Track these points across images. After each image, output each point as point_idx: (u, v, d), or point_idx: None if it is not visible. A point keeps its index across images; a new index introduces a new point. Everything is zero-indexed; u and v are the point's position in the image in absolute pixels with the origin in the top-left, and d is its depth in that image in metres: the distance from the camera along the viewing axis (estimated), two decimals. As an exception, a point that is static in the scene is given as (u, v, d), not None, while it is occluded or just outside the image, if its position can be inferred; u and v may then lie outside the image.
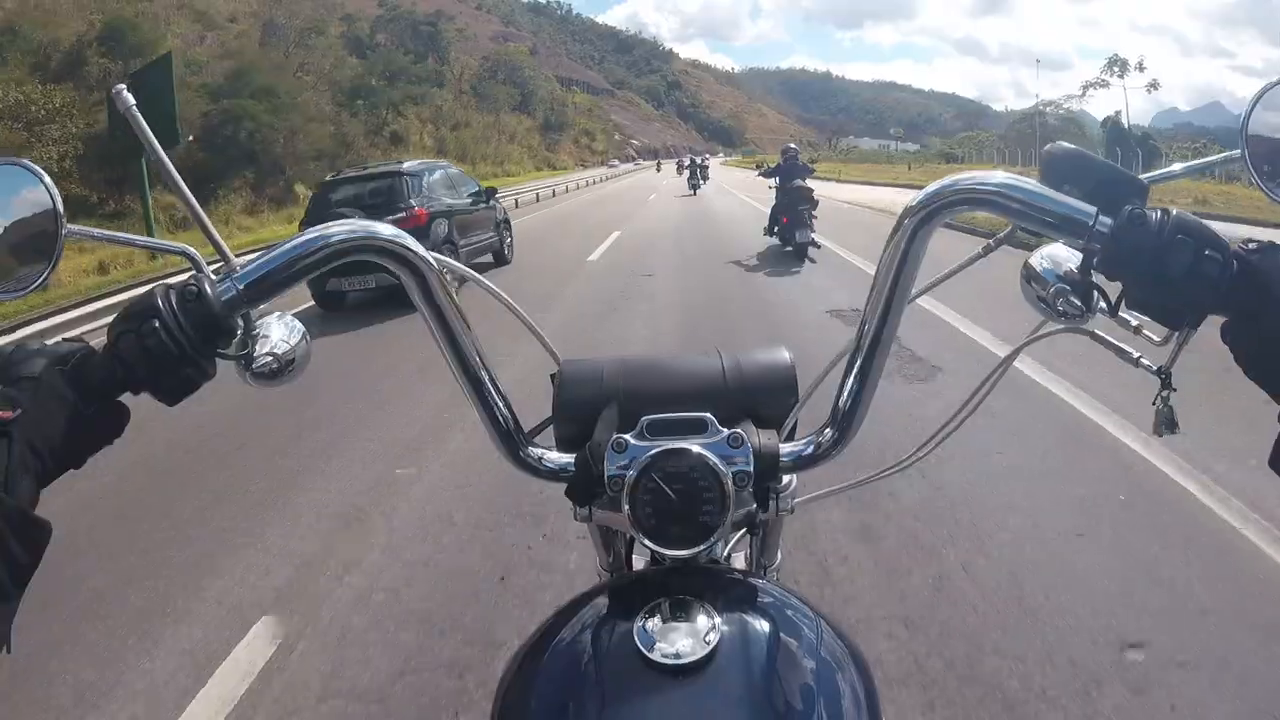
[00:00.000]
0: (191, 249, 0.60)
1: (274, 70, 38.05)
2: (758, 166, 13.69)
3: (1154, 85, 56.56)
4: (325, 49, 49.89)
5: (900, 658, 2.08)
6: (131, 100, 0.56)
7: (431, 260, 0.64)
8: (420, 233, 7.52)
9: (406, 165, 8.96)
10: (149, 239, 0.64)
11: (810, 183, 10.10)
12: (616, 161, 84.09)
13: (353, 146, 39.45)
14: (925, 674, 2.02)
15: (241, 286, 0.58)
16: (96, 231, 0.60)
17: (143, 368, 0.53)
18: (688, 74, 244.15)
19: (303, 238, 0.60)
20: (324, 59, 48.53)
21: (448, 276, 0.66)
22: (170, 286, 0.55)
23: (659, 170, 60.35)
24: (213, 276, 0.57)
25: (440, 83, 68.90)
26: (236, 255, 0.60)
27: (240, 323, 0.59)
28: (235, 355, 0.59)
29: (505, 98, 75.80)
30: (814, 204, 9.61)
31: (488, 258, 10.55)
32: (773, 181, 10.66)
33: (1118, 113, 53.70)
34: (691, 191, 27.68)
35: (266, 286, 0.59)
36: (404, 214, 7.97)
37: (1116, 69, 56.44)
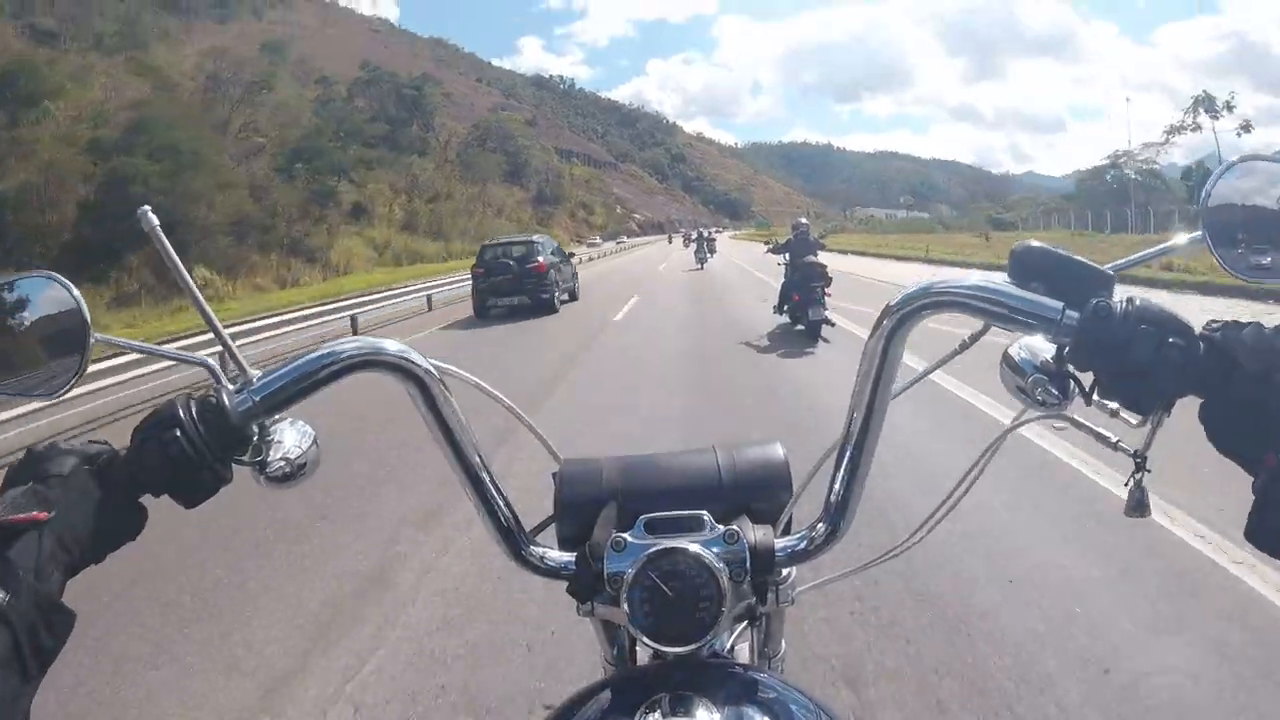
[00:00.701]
0: (211, 362, 0.65)
1: (187, 123, 30.62)
2: (766, 242, 12.79)
3: (1246, 127, 47.94)
4: (278, 107, 43.22)
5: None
6: (155, 221, 0.61)
7: (434, 370, 0.67)
8: (543, 277, 14.04)
9: (535, 237, 15.86)
10: (171, 350, 0.70)
11: (832, 258, 10.87)
12: (598, 239, 69.69)
13: (282, 218, 31.91)
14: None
15: (258, 399, 0.61)
16: (122, 340, 0.65)
17: (164, 473, 0.55)
18: (692, 147, 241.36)
19: (316, 354, 0.63)
20: (274, 118, 41.83)
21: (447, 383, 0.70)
22: (191, 397, 0.58)
23: (670, 243, 58.46)
24: (231, 388, 0.61)
25: (423, 150, 62.52)
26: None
27: (256, 430, 0.62)
28: (251, 462, 0.62)
29: (494, 167, 69.74)
30: (827, 280, 9.19)
31: (565, 296, 15.67)
32: (782, 258, 10.31)
33: (1200, 163, 46.29)
34: (699, 265, 26.85)
35: (281, 399, 0.61)
36: (535, 263, 14.10)
37: (1204, 108, 48.24)
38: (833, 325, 9.06)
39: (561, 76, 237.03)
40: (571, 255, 18.57)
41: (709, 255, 28.49)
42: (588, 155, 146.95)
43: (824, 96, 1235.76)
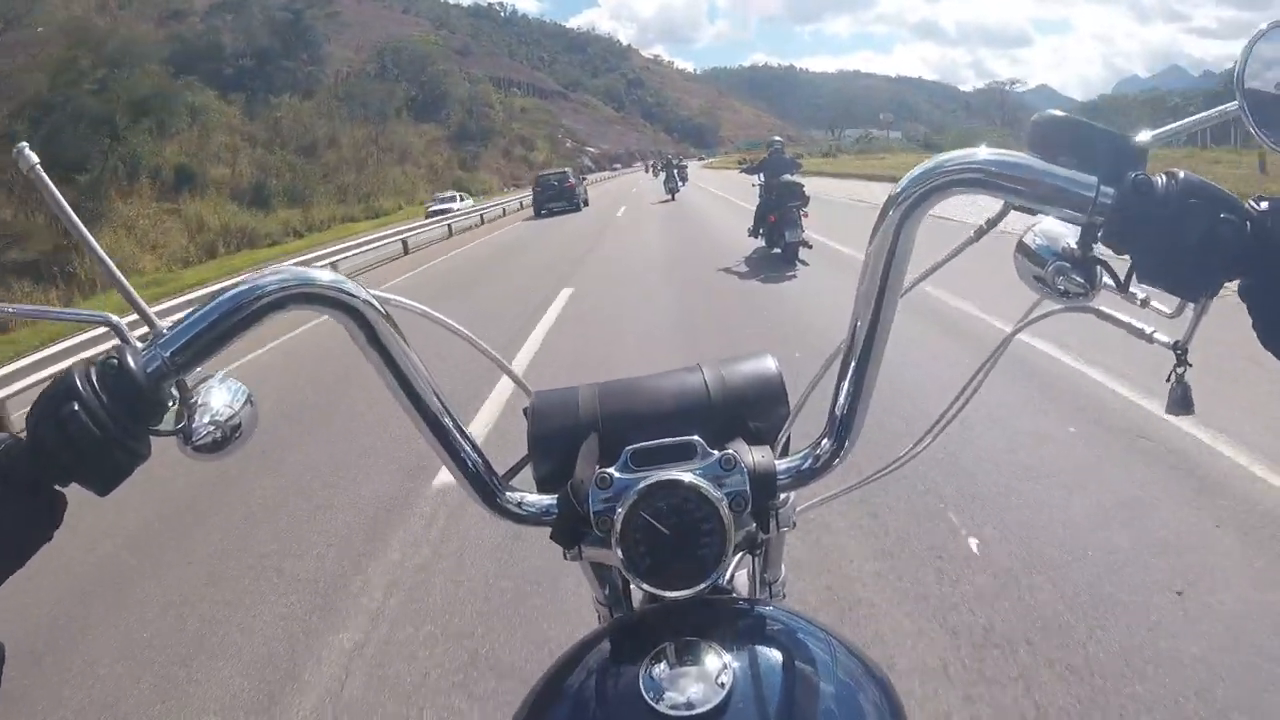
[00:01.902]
0: (113, 317, 0.54)
1: None
2: (740, 163, 12.43)
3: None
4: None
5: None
6: (35, 159, 0.50)
7: (374, 301, 0.58)
8: (573, 190, 26.46)
9: (566, 170, 30.91)
10: (65, 310, 0.59)
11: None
12: (454, 196, 36.01)
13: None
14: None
15: (168, 354, 0.51)
16: (9, 306, 0.57)
17: (66, 456, 0.46)
18: (649, 70, 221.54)
19: (230, 293, 0.53)
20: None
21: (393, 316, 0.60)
22: (89, 362, 0.49)
23: (648, 172, 51.91)
24: (137, 345, 0.51)
25: (309, 89, 49.52)
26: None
27: (175, 393, 0.53)
28: (171, 431, 0.53)
29: (394, 100, 56.42)
30: (804, 200, 8.75)
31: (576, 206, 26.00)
32: (756, 179, 10.01)
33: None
34: (669, 196, 25.31)
35: (196, 350, 0.51)
36: (568, 183, 26.65)
37: None
38: (810, 247, 8.75)
39: (502, 3, 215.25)
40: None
41: (679, 184, 27.11)
42: (533, 85, 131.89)
43: (783, 18, 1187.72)
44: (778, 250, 8.98)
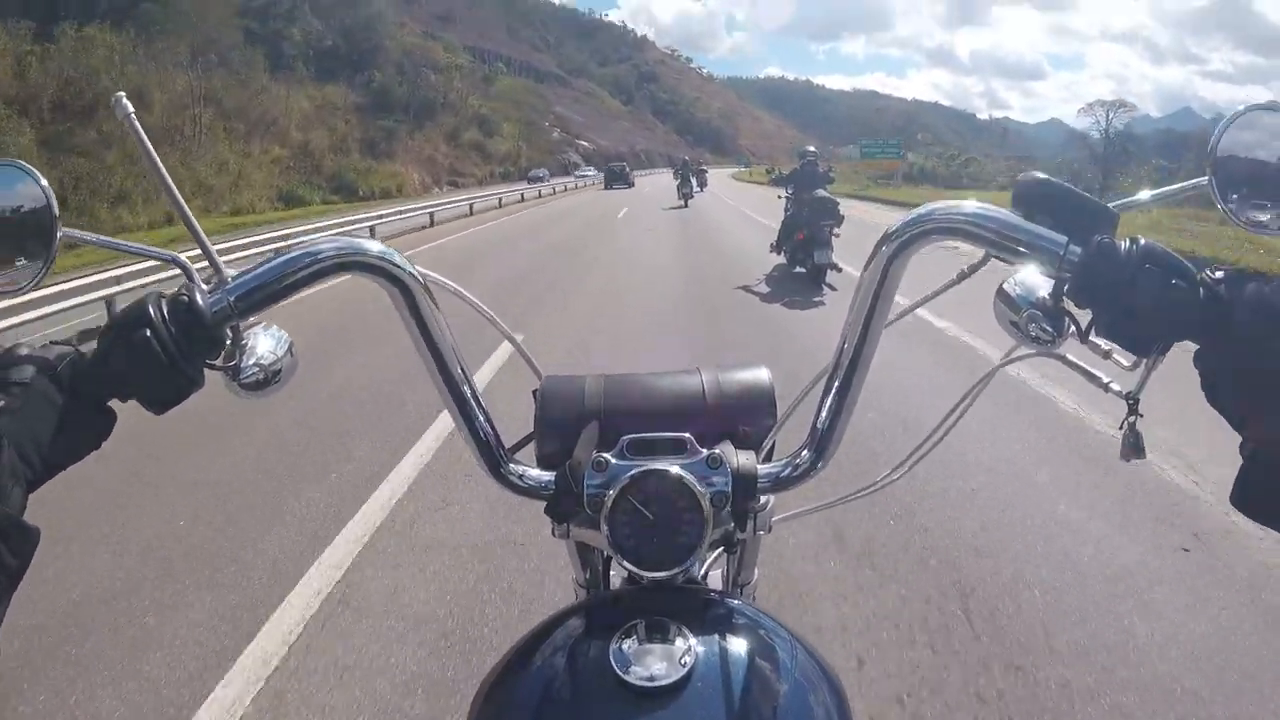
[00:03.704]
0: (183, 258, 0.61)
1: None
2: (769, 173, 12.04)
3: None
4: None
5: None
6: (130, 108, 0.57)
7: (419, 276, 0.65)
8: (629, 176, 46.31)
9: (624, 162, 55.13)
10: (141, 245, 0.64)
11: None
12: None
13: None
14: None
15: (233, 299, 0.57)
16: (89, 236, 0.61)
17: (133, 375, 0.52)
18: (665, 65, 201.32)
19: (294, 253, 0.60)
20: None
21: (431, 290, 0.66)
22: (162, 295, 0.55)
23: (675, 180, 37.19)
24: (204, 287, 0.57)
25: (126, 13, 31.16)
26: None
27: (229, 334, 0.59)
28: (224, 366, 0.59)
29: (280, 40, 38.16)
30: (839, 219, 8.13)
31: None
32: (784, 191, 9.33)
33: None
34: (682, 202, 24.58)
35: (258, 299, 0.58)
36: (627, 172, 47.06)
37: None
38: (839, 270, 8.01)
39: None
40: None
41: (695, 189, 26.66)
42: (526, 64, 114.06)
43: (800, 35, 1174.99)
44: (801, 270, 8.37)
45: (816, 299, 7.34)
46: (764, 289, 8.02)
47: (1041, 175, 0.56)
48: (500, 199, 27.31)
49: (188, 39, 32.08)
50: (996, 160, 66.26)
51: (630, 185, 42.12)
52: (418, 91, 50.45)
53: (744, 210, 21.33)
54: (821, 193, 8.41)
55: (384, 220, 17.32)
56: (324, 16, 46.22)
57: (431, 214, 20.10)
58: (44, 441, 0.50)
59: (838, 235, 8.13)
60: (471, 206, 23.79)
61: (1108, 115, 55.58)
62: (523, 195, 31.39)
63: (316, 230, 14.47)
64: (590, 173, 52.14)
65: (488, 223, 20.13)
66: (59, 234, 0.56)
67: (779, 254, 9.07)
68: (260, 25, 38.34)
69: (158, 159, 0.57)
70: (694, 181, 26.13)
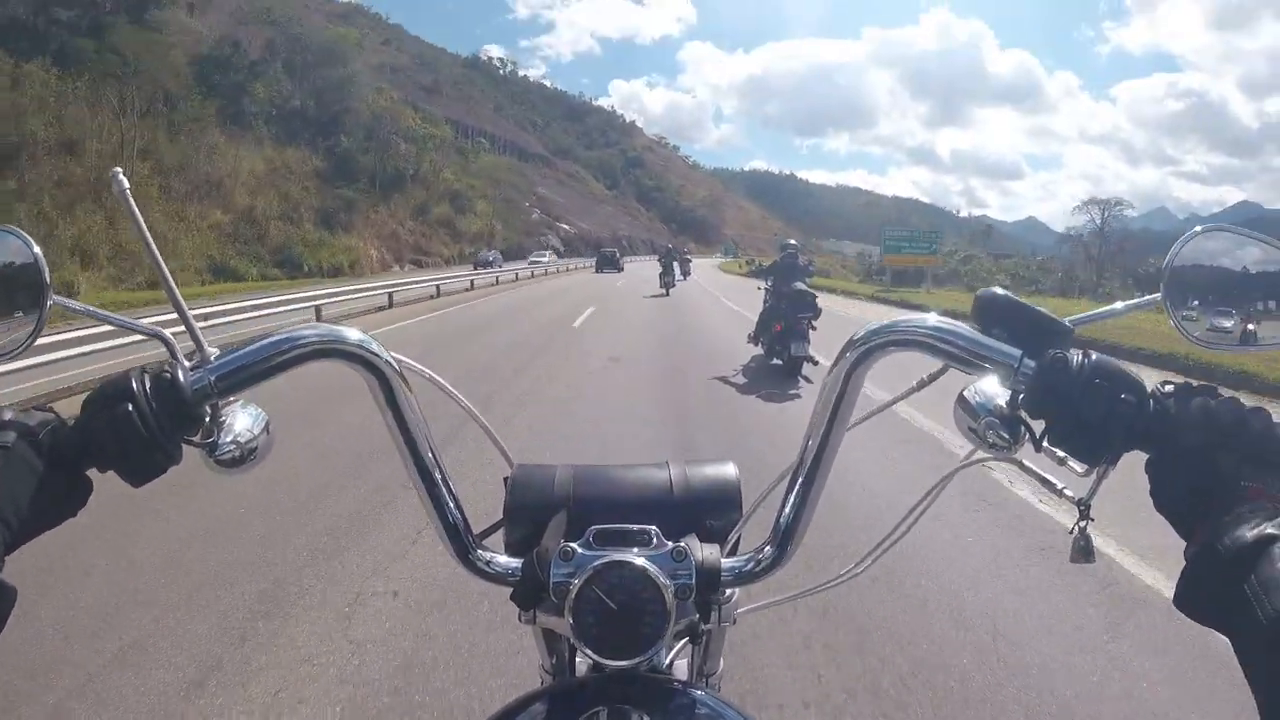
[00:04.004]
0: (167, 334, 0.62)
1: None
2: (748, 264, 12.28)
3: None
4: None
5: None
6: (126, 184, 0.59)
7: (394, 363, 0.66)
8: (619, 260, 47.60)
9: (615, 250, 55.81)
10: (126, 319, 0.65)
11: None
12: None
13: None
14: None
15: (214, 378, 0.59)
16: (77, 305, 0.62)
17: (112, 447, 0.53)
18: (653, 152, 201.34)
19: (276, 337, 0.62)
20: None
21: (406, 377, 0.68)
22: (146, 370, 0.56)
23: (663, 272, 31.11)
24: (186, 364, 0.59)
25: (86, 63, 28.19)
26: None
27: (208, 411, 0.60)
28: (201, 443, 0.60)
29: (241, 94, 35.40)
30: (816, 312, 8.27)
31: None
32: (764, 283, 9.36)
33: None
34: (663, 290, 23.06)
35: (238, 380, 0.60)
36: (617, 256, 48.36)
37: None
38: (816, 364, 8.00)
39: (503, 59, 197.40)
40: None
41: (681, 278, 26.55)
42: (511, 143, 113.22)
43: (785, 130, 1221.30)
44: (778, 362, 8.50)
45: (792, 391, 7.37)
46: (740, 379, 8.07)
47: (1001, 291, 0.59)
48: (438, 287, 21.84)
49: (135, 85, 29.00)
50: (983, 260, 66.16)
51: (620, 270, 43.22)
52: (387, 160, 47.36)
53: (727, 303, 19.60)
54: (800, 285, 8.51)
55: (335, 299, 15.13)
56: (297, 76, 43.46)
57: (391, 294, 17.72)
58: (22, 505, 0.50)
59: (814, 329, 8.21)
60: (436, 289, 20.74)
61: (1103, 213, 55.72)
62: (472, 283, 25.74)
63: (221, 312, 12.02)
64: (545, 258, 47.78)
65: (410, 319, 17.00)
66: (49, 302, 0.57)
67: (756, 345, 9.10)
68: (221, 77, 35.32)
69: (149, 237, 0.58)
70: (677, 269, 25.52)
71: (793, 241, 9.84)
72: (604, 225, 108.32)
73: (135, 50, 30.37)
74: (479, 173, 75.03)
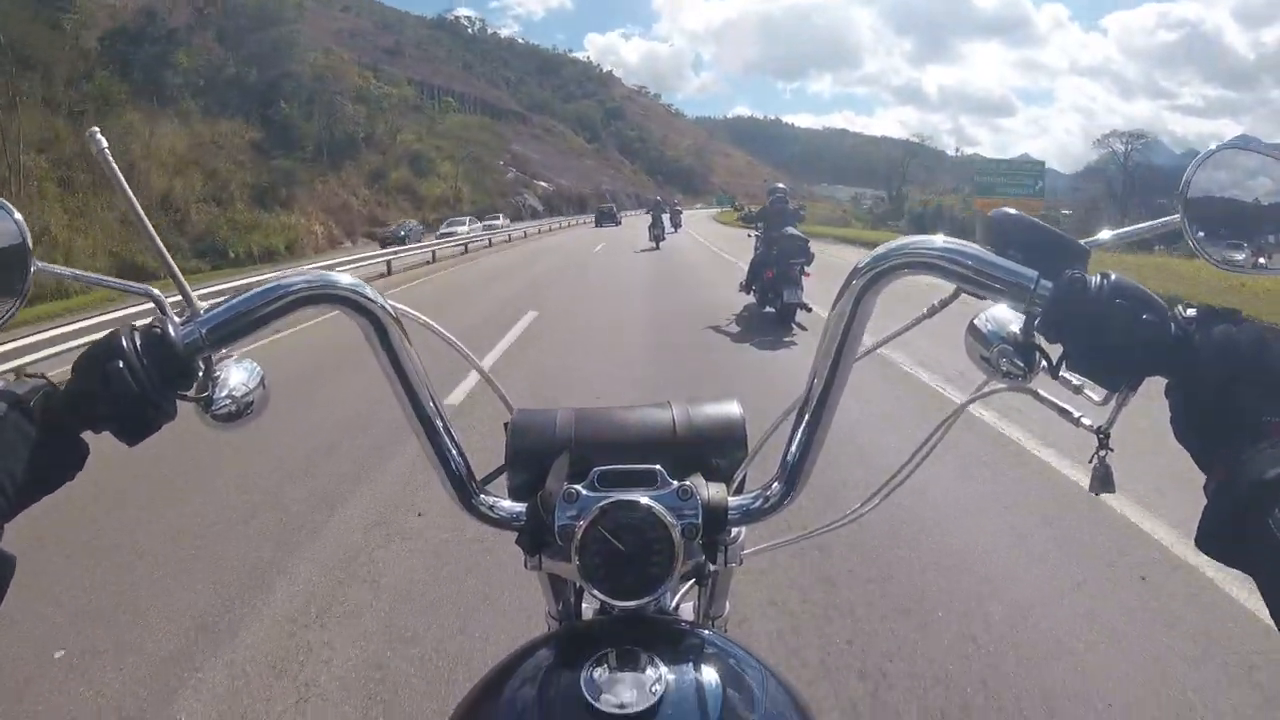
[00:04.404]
0: (155, 291, 0.62)
1: None
2: (737, 209, 11.14)
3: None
4: None
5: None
6: (104, 143, 0.58)
7: (390, 309, 0.65)
8: (617, 215, 51.60)
9: (612, 205, 58.96)
10: (114, 279, 0.64)
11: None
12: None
13: None
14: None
15: (204, 331, 0.58)
16: (64, 270, 0.62)
17: (104, 407, 0.52)
18: (632, 101, 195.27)
19: (265, 287, 0.61)
20: None
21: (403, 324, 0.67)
22: (135, 327, 0.55)
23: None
24: (176, 319, 0.58)
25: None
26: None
27: (201, 365, 0.60)
28: (195, 398, 0.60)
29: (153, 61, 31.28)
30: (809, 257, 8.03)
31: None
32: (754, 230, 9.22)
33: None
34: (653, 245, 23.21)
35: (229, 332, 0.59)
36: (614, 211, 52.74)
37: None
38: (809, 310, 7.91)
39: (470, 18, 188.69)
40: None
41: (668, 230, 25.69)
42: (481, 100, 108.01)
43: (766, 74, 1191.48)
44: (770, 310, 8.36)
45: (786, 339, 7.27)
46: (734, 328, 8.04)
47: (1013, 211, 0.56)
48: (389, 264, 19.20)
49: (32, 75, 25.16)
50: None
51: (618, 224, 46.25)
52: (335, 125, 42.47)
53: (726, 257, 18.80)
54: (791, 230, 8.35)
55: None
56: (230, 43, 39.23)
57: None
58: (17, 473, 0.50)
59: (808, 274, 8.00)
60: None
61: (1126, 147, 51.46)
62: (434, 254, 22.83)
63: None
64: (498, 222, 43.12)
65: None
66: (33, 269, 0.57)
67: (748, 293, 8.97)
68: (136, 50, 31.35)
69: (132, 195, 0.59)
70: (667, 222, 25.00)
71: (781, 185, 9.46)
72: (585, 180, 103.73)
73: (32, 38, 26.37)
74: (445, 133, 70.31)
